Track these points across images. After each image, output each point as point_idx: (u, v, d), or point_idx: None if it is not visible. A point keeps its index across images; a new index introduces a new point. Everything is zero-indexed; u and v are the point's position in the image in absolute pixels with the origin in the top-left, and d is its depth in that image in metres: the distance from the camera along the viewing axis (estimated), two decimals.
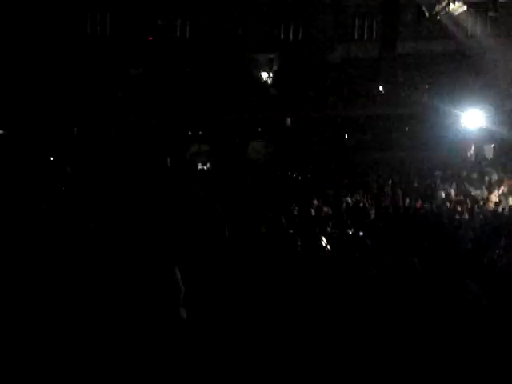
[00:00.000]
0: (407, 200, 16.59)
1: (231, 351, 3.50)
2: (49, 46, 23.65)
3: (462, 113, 24.72)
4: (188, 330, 3.57)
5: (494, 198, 16.27)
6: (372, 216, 14.72)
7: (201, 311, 3.89)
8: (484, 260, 9.03)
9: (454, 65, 27.68)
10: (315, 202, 15.11)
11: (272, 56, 27.67)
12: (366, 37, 27.99)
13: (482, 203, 15.53)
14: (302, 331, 3.85)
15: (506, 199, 15.91)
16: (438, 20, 25.14)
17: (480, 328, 3.76)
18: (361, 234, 10.53)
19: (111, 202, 13.17)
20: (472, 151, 26.99)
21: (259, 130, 26.50)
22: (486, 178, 19.99)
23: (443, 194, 17.03)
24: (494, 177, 20.20)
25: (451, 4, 23.69)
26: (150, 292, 3.64)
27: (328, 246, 10.30)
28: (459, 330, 3.62)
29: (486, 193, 17.35)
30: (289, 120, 26.43)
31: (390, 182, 19.84)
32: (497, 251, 11.57)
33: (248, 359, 3.49)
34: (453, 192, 17.52)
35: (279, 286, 4.21)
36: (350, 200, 16.39)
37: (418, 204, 16.04)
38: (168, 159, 24.70)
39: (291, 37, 27.59)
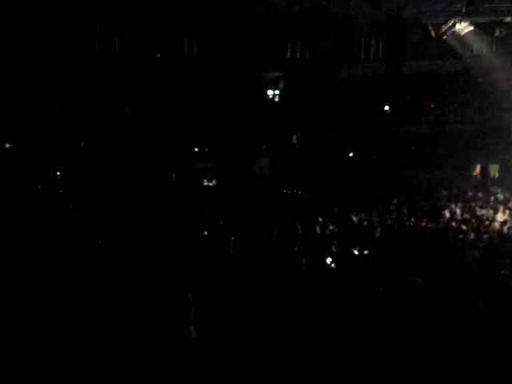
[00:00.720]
0: (412, 219, 16.54)
1: (237, 368, 3.52)
2: (58, 61, 23.86)
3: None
4: (197, 347, 3.60)
5: (500, 217, 16.20)
6: (377, 235, 14.67)
7: (209, 330, 3.91)
8: (490, 280, 8.97)
9: (460, 84, 27.77)
10: (320, 219, 15.08)
11: (279, 74, 27.85)
12: (372, 56, 28.17)
13: (487, 223, 15.47)
14: (305, 348, 3.84)
15: None
16: (445, 40, 25.27)
17: (487, 349, 3.74)
18: (366, 252, 10.49)
19: (117, 217, 13.21)
20: (478, 170, 26.99)
21: (265, 147, 26.57)
22: (492, 198, 19.95)
23: (448, 214, 16.98)
24: (500, 196, 20.15)
25: (457, 24, 23.84)
26: (161, 311, 3.69)
27: (333, 264, 10.27)
28: (465, 351, 3.60)
29: (491, 212, 17.28)
30: (295, 137, 26.51)
31: (396, 200, 19.81)
32: (503, 271, 11.50)
33: (254, 376, 3.49)
34: (458, 211, 17.47)
35: (284, 304, 4.21)
36: (355, 218, 16.35)
37: (423, 223, 15.97)
38: (174, 175, 24.78)
39: (298, 55, 27.77)
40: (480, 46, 27.12)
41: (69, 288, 4.84)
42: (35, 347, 3.73)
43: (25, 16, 23.20)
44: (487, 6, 23.23)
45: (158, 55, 26.15)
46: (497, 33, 23.98)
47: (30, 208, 15.36)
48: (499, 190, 21.69)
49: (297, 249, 8.59)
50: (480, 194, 20.95)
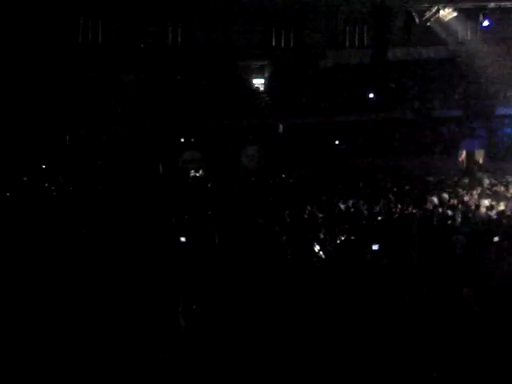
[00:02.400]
0: (399, 205, 16.60)
1: (228, 356, 3.52)
2: (40, 53, 23.61)
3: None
4: (186, 337, 3.61)
5: (486, 203, 16.31)
6: (364, 222, 14.71)
7: (198, 319, 3.92)
8: (475, 265, 9.04)
9: (445, 70, 27.85)
10: (308, 207, 15.10)
11: (264, 63, 27.76)
12: (357, 43, 28.15)
13: (473, 208, 15.57)
14: (294, 334, 3.86)
15: (498, 204, 15.96)
16: (429, 26, 25.33)
17: (472, 331, 3.78)
18: (352, 238, 10.55)
19: (104, 208, 13.14)
20: (463, 157, 27.15)
21: (251, 136, 26.52)
22: (478, 184, 20.07)
23: (436, 200, 17.05)
24: (485, 182, 20.29)
25: (441, 10, 23.91)
26: (150, 302, 3.69)
27: (321, 252, 10.30)
28: (451, 334, 3.63)
29: (477, 198, 17.39)
30: (281, 126, 26.47)
31: (382, 187, 19.89)
32: (488, 256, 11.60)
33: (245, 364, 3.50)
34: (446, 197, 17.55)
35: (270, 293, 4.22)
36: (342, 205, 16.39)
37: (410, 209, 16.03)
38: (160, 166, 24.68)
39: (283, 44, 27.69)
40: (464, 32, 27.18)
41: (56, 280, 4.82)
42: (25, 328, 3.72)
43: (6, 6, 22.90)
44: None
45: (142, 45, 25.95)
46: (480, 18, 24.07)
47: (15, 200, 15.26)
48: (485, 176, 21.83)
49: (284, 238, 8.61)
50: (466, 180, 21.09)
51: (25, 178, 21.13)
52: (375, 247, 7.14)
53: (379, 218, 14.89)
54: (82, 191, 18.03)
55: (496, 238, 10.49)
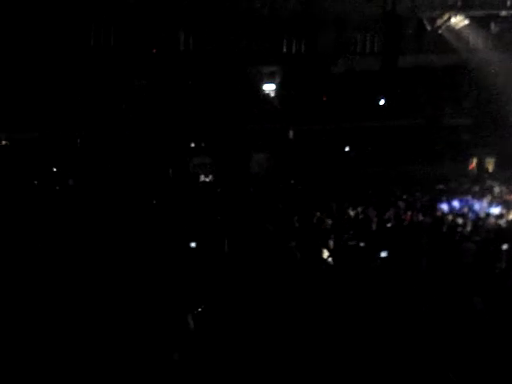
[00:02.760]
0: (409, 212, 16.58)
1: (236, 357, 3.55)
2: (53, 58, 23.80)
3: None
4: (195, 337, 3.65)
5: (496, 211, 16.27)
6: (374, 228, 14.71)
7: (207, 320, 3.96)
8: (486, 273, 9.03)
9: (456, 78, 27.80)
10: (317, 214, 15.11)
11: (275, 69, 27.81)
12: (367, 50, 28.16)
13: (483, 216, 15.54)
14: (304, 338, 3.88)
15: (508, 213, 15.91)
16: (440, 34, 25.32)
17: (482, 339, 3.79)
18: (361, 244, 10.56)
19: (114, 211, 13.21)
20: (474, 164, 27.07)
21: (262, 142, 26.57)
22: (488, 191, 20.02)
23: (446, 207, 17.04)
24: (496, 190, 20.23)
25: (452, 18, 23.92)
26: (160, 304, 3.73)
27: (330, 259, 10.31)
28: (462, 341, 3.64)
29: (486, 206, 17.34)
30: (291, 132, 26.51)
31: (392, 193, 19.87)
32: (498, 265, 11.56)
33: (253, 364, 3.53)
34: (456, 205, 17.53)
35: (278, 297, 4.25)
36: (352, 212, 16.40)
37: (420, 216, 16.01)
38: (170, 171, 24.78)
39: (294, 50, 27.74)
40: (476, 40, 27.11)
41: (67, 283, 4.87)
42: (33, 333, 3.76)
43: (20, 11, 23.13)
44: None
45: (154, 51, 26.08)
46: (492, 26, 24.05)
47: (27, 203, 15.36)
48: (495, 184, 21.76)
49: (293, 244, 8.64)
50: (476, 188, 21.03)
51: (35, 181, 21.27)
52: (384, 254, 7.19)
53: (389, 225, 14.89)
54: (92, 194, 18.13)
55: (505, 246, 10.48)
